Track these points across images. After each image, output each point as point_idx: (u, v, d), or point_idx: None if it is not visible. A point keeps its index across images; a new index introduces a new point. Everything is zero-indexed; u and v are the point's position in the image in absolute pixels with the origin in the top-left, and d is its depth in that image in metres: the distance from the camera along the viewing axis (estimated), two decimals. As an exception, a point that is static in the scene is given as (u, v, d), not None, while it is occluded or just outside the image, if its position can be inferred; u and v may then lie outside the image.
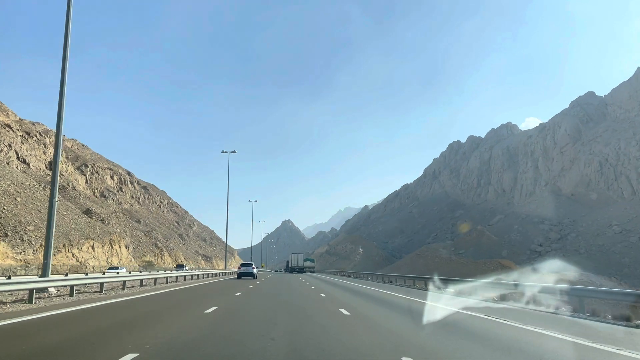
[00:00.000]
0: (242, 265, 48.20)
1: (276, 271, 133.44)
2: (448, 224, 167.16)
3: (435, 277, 25.86)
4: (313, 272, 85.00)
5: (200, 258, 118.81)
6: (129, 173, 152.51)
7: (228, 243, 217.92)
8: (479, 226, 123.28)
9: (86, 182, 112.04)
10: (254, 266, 47.61)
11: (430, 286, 25.52)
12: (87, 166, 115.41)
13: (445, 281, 25.42)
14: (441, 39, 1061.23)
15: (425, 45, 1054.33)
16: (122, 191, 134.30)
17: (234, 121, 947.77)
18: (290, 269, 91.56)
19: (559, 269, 53.18)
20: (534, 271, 45.84)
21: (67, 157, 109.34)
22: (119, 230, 64.73)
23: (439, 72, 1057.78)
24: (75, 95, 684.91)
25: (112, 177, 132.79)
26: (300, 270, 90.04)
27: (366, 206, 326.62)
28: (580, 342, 8.41)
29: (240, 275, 44.46)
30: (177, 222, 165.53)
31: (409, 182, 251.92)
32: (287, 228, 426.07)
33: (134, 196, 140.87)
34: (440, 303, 16.44)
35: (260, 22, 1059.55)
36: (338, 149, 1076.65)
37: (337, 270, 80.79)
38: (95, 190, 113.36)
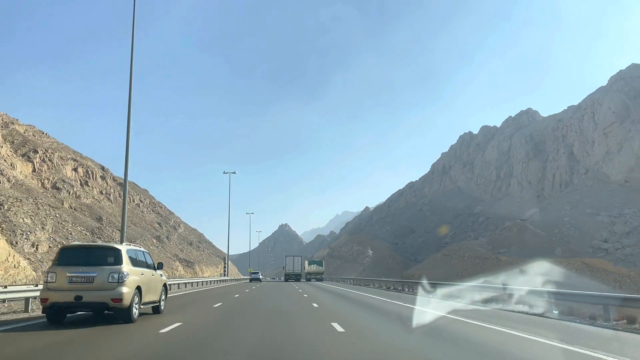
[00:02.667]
0: (252, 273, 75.67)
1: (273, 279, 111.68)
2: (467, 221, 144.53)
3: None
4: (321, 279, 61.98)
5: (178, 263, 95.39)
6: (102, 168, 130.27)
7: (219, 247, 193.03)
8: (517, 220, 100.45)
9: (34, 170, 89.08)
10: (260, 274, 76.39)
11: None
12: (36, 152, 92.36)
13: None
14: (437, 40, 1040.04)
15: (421, 46, 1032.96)
16: (87, 185, 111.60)
17: (228, 124, 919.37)
18: (286, 276, 69.24)
19: (546, 271, 48.38)
20: (521, 273, 43.65)
21: (7, 141, 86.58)
22: (28, 222, 41.78)
23: (435, 72, 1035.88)
24: (66, 94, 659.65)
25: (75, 169, 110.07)
26: (297, 277, 67.62)
27: (367, 207, 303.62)
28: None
29: (251, 280, 67.02)
30: (159, 224, 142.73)
31: (413, 180, 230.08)
32: (284, 232, 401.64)
33: (104, 192, 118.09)
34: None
35: (253, 25, 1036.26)
36: (333, 153, 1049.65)
37: (375, 278, 57.05)
38: (46, 181, 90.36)
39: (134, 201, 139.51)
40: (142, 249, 13.63)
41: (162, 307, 14.46)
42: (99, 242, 15.93)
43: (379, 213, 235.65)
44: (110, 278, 11.15)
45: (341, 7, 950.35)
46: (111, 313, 11.70)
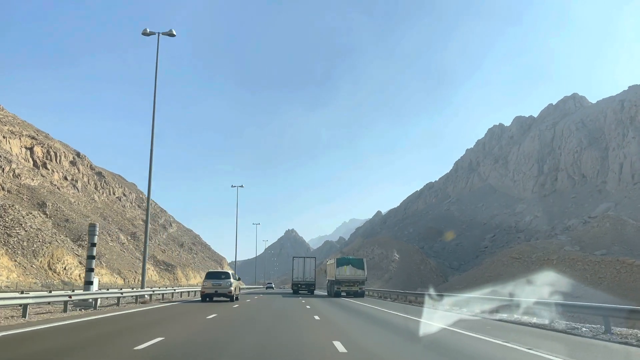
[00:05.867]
0: (267, 283, 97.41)
1: (280, 289, 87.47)
2: (509, 220, 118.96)
3: None
4: (362, 293, 35.37)
5: (148, 266, 69.61)
6: (78, 154, 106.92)
7: (218, 252, 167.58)
8: (609, 212, 74.40)
9: (-48, 137, 64.91)
10: (272, 284, 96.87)
11: None
12: (-39, 116, 68.23)
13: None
14: (445, 44, 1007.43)
15: (430, 51, 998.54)
16: (45, 167, 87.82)
17: (234, 129, 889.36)
18: (293, 286, 45.92)
19: (552, 281, 43.00)
20: (528, 283, 39.25)
21: None
22: None
23: (444, 77, 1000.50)
24: (73, 99, 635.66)
25: (29, 148, 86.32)
26: (310, 287, 44.60)
27: (379, 211, 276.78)
28: None
29: (267, 288, 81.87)
30: (144, 221, 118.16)
31: (433, 181, 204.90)
32: (290, 238, 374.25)
33: (70, 178, 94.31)
34: None
35: (258, 33, 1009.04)
36: (339, 160, 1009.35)
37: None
38: (-31, 152, 66.10)
39: (114, 194, 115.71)
40: (233, 271, 31.15)
41: (238, 297, 29.71)
42: (222, 269, 37.62)
43: (393, 216, 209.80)
44: (227, 284, 26.56)
45: (350, 12, 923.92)
46: (225, 299, 26.85)
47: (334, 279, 36.05)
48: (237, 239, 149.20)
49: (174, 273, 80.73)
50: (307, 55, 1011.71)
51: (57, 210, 65.51)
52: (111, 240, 66.63)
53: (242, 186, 58.66)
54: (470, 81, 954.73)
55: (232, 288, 26.67)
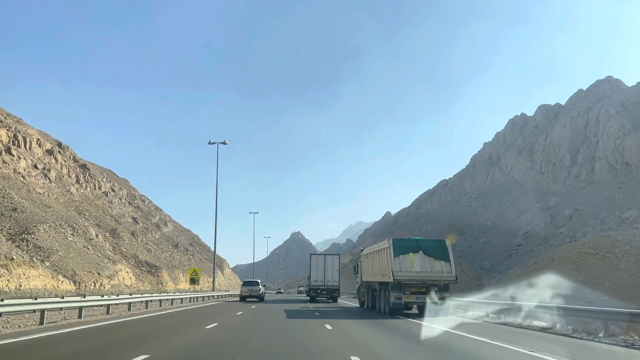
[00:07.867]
0: (277, 289, 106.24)
1: (288, 294, 74.95)
2: (543, 215, 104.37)
3: None
4: (446, 308, 19.36)
5: (121, 267, 55.51)
6: (60, 144, 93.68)
7: (221, 255, 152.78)
8: None
9: None
10: (281, 289, 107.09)
11: None
12: None
13: None
14: (451, 44, 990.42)
15: (435, 51, 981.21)
16: (9, 153, 74.19)
17: (238, 132, 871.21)
18: (311, 292, 33.83)
19: (554, 284, 38.53)
20: (530, 286, 35.84)
21: None
22: None
23: (450, 77, 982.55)
24: (74, 102, 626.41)
25: (-7, 131, 72.95)
26: (333, 293, 32.77)
27: (388, 212, 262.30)
28: None
29: (277, 293, 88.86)
30: (136, 219, 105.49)
31: (447, 178, 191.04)
32: (296, 240, 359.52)
33: (42, 167, 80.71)
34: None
35: (265, 32, 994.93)
36: (345, 162, 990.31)
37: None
38: None
39: (99, 188, 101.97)
40: (260, 280, 41.78)
41: (264, 298, 38.07)
42: (255, 279, 42.29)
43: (405, 216, 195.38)
44: (257, 289, 36.82)
45: (355, 14, 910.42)
46: (256, 300, 36.18)
47: (389, 279, 18.97)
48: (239, 240, 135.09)
49: (158, 276, 66.70)
50: (311, 57, 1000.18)
51: (3, 198, 51.63)
52: (72, 235, 52.53)
53: (225, 142, 45.00)
54: (476, 81, 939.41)
55: (261, 292, 36.71)
